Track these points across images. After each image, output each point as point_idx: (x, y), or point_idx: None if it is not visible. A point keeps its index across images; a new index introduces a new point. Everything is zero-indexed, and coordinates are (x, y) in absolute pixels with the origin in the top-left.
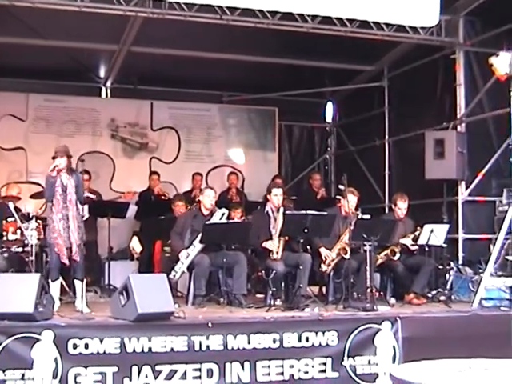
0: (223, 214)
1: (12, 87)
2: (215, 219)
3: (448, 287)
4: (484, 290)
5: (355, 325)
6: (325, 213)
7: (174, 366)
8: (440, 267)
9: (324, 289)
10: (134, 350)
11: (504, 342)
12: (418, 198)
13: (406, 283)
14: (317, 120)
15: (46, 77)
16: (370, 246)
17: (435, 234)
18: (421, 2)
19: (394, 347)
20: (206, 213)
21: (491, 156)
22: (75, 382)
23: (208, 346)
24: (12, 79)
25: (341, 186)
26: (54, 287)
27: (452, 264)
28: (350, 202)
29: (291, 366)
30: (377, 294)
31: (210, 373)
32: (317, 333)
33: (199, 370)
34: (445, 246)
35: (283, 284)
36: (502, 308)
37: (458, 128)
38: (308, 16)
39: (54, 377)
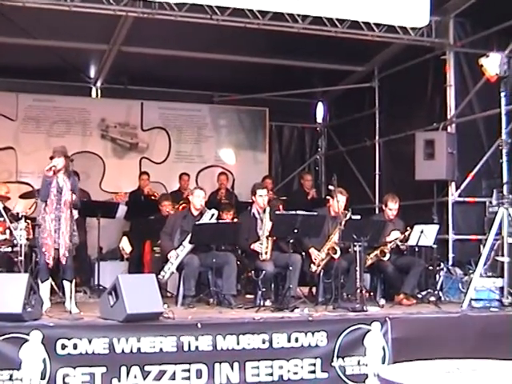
0: (213, 215)
1: (1, 87)
2: (205, 220)
3: (438, 288)
4: (474, 290)
5: (345, 325)
6: (315, 213)
7: (163, 366)
8: (430, 268)
9: (314, 289)
10: (123, 351)
11: (494, 343)
12: (408, 198)
13: (396, 284)
14: (307, 120)
15: (36, 76)
16: (359, 246)
17: (425, 234)
18: (411, 2)
19: (383, 348)
20: (195, 213)
21: (481, 157)
22: (63, 382)
23: (197, 347)
24: (1, 79)
25: (330, 187)
26: (44, 288)
27: (442, 265)
28: (339, 202)
29: (280, 367)
30: (367, 294)
31: (199, 373)
32: (306, 333)
33: (188, 370)
34: (435, 246)
35: (273, 284)
36: (491, 309)
37: (449, 129)
38: (298, 16)
39: (43, 377)
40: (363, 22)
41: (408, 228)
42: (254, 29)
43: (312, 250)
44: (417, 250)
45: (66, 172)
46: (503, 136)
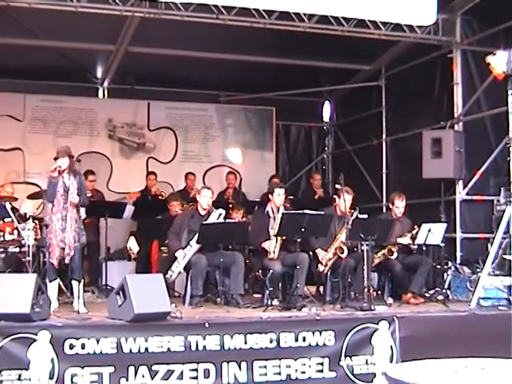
0: (220, 215)
1: (9, 88)
2: (212, 219)
3: (446, 287)
4: (482, 289)
5: (352, 324)
6: (322, 212)
7: (171, 366)
8: (438, 266)
9: (321, 288)
10: (131, 351)
11: (502, 342)
12: (415, 197)
13: (404, 283)
14: (314, 119)
15: (43, 77)
16: (367, 245)
17: (433, 233)
18: (418, 0)
19: (391, 347)
20: (203, 213)
21: (489, 155)
22: (72, 382)
23: (205, 346)
24: (9, 80)
25: (337, 186)
26: (52, 288)
27: (450, 263)
28: (345, 201)
29: (288, 366)
30: (374, 293)
31: (206, 373)
32: (314, 333)
33: (196, 370)
34: (442, 245)
35: (280, 284)
36: (499, 307)
37: (456, 127)
38: (305, 15)
39: (51, 377)
40: (369, 21)
41: (415, 227)
42: (260, 28)
43: (319, 251)
44: (424, 248)
45: (70, 172)
46: (511, 134)
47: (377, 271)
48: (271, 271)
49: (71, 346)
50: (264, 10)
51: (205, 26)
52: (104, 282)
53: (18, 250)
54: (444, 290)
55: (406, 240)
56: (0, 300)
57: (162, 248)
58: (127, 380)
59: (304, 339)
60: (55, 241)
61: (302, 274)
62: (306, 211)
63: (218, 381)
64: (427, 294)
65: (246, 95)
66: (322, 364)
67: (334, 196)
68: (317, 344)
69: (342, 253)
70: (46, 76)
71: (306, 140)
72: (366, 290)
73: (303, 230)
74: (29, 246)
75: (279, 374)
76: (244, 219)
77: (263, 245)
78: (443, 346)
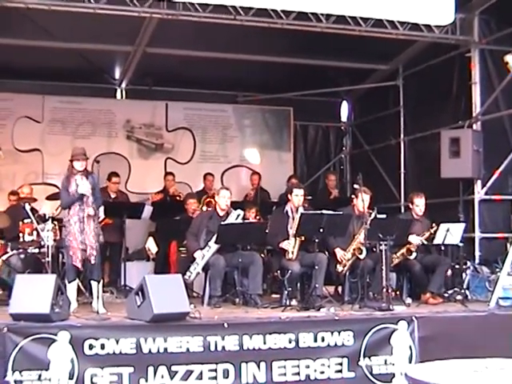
0: (238, 215)
1: (28, 89)
2: (231, 220)
3: (465, 286)
4: (501, 289)
5: (371, 325)
6: (340, 212)
7: (190, 366)
8: (456, 266)
9: (340, 289)
10: (150, 351)
11: None
12: (433, 197)
13: (423, 283)
14: (332, 119)
15: (62, 79)
16: (385, 245)
17: (451, 233)
18: (436, 0)
19: (410, 347)
20: (221, 213)
21: (507, 154)
22: (91, 382)
23: (224, 347)
24: (28, 81)
25: (356, 186)
26: (71, 288)
27: (468, 263)
28: (363, 201)
29: (307, 367)
30: (393, 293)
31: (225, 373)
32: (332, 333)
33: (215, 370)
34: (461, 245)
35: (299, 284)
36: None
37: (474, 126)
38: (322, 15)
39: (71, 377)
40: (387, 21)
41: (434, 225)
42: (277, 29)
43: (337, 250)
44: (443, 248)
45: (84, 173)
46: None
47: (395, 271)
48: (290, 271)
49: (91, 347)
50: (281, 11)
51: (222, 27)
52: (123, 283)
53: (37, 250)
54: (463, 290)
55: (415, 239)
56: (20, 300)
57: (181, 248)
58: (146, 380)
59: (323, 339)
60: (76, 243)
61: (320, 274)
62: (325, 211)
63: (237, 381)
64: (446, 294)
65: (264, 95)
66: (340, 364)
67: (352, 196)
68: (335, 344)
69: (361, 253)
70: (65, 77)
71: (324, 140)
72: (384, 290)
73: (322, 230)
74: (48, 246)
75: (298, 374)
76: (257, 218)
77: (281, 245)
78: (462, 346)
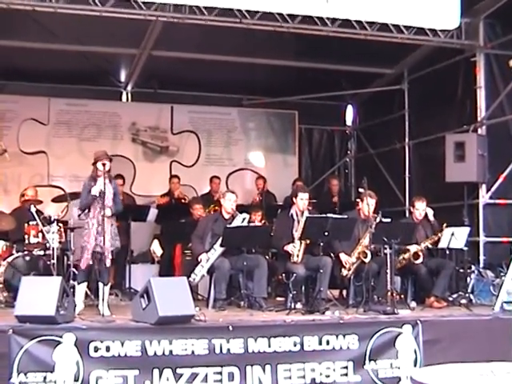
0: (244, 219)
1: (34, 91)
2: (236, 224)
3: (469, 290)
4: (505, 293)
5: (376, 328)
6: (345, 216)
7: (195, 369)
8: (461, 270)
9: (344, 292)
10: (155, 353)
11: None
12: (438, 201)
13: (428, 286)
14: (337, 123)
15: (68, 81)
16: (390, 249)
17: (456, 236)
18: (441, 4)
19: (415, 351)
20: (227, 217)
21: None
22: None
23: (229, 349)
24: (34, 84)
25: (361, 190)
26: (80, 289)
27: (473, 267)
28: (368, 205)
29: (312, 370)
30: (397, 297)
31: (231, 376)
32: (337, 336)
33: (220, 373)
34: (466, 249)
35: (303, 287)
36: None
37: (479, 131)
38: (328, 19)
39: (76, 380)
40: (392, 25)
41: (444, 227)
42: (283, 32)
43: (342, 255)
44: (447, 252)
45: (108, 176)
46: None
47: (400, 275)
48: (294, 275)
49: (96, 349)
50: (287, 15)
51: (228, 30)
52: (128, 285)
53: (42, 252)
54: (467, 294)
55: (414, 248)
56: (25, 302)
57: (186, 251)
58: (152, 383)
59: (328, 342)
60: (93, 245)
61: (325, 278)
62: (330, 215)
63: None
64: (450, 298)
65: (269, 99)
66: (346, 368)
67: (357, 200)
68: (341, 347)
69: (366, 257)
70: (71, 80)
71: (329, 144)
72: (389, 293)
73: (326, 233)
74: (53, 248)
75: (303, 377)
76: (263, 221)
77: (286, 248)
78: (466, 350)
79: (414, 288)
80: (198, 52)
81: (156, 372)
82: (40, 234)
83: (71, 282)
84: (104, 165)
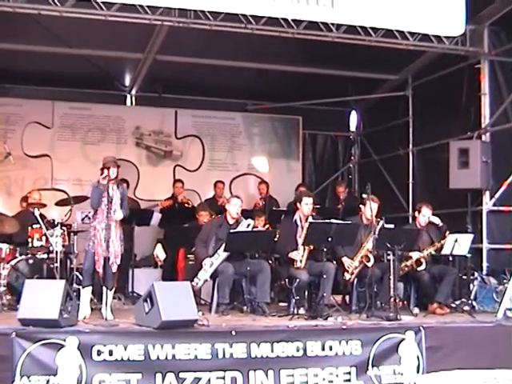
0: (249, 225)
1: (38, 95)
2: (241, 229)
3: (472, 297)
4: (508, 300)
5: (379, 334)
6: (349, 222)
7: (198, 373)
8: (464, 277)
9: (347, 298)
10: (158, 358)
11: None
12: (442, 207)
13: (430, 292)
14: (341, 129)
15: (72, 85)
16: (393, 255)
17: (459, 243)
18: (446, 11)
19: (418, 357)
20: (231, 222)
21: None
22: None
23: (232, 354)
24: (38, 87)
25: (364, 195)
26: (85, 293)
27: (476, 274)
28: (372, 210)
29: (315, 375)
30: (400, 303)
31: (233, 381)
32: (340, 342)
33: (223, 378)
34: (469, 255)
35: (307, 293)
36: None
37: (483, 137)
38: (332, 25)
39: (79, 383)
40: (397, 31)
41: (447, 234)
42: (288, 38)
43: (345, 259)
44: (451, 259)
45: (115, 182)
46: None
47: (403, 281)
48: (298, 280)
49: (99, 353)
50: (292, 20)
51: (233, 35)
52: (130, 289)
53: (45, 256)
54: (470, 301)
55: (416, 255)
56: (29, 306)
57: (189, 256)
58: None
59: (331, 348)
60: (101, 250)
61: (328, 284)
62: (333, 220)
63: None
64: (453, 305)
65: (273, 104)
66: (349, 373)
67: (360, 205)
68: (343, 353)
69: (368, 261)
70: (75, 83)
71: (333, 149)
72: (392, 299)
73: (330, 239)
74: (57, 252)
75: (306, 382)
76: (266, 226)
77: (290, 255)
78: (469, 356)
79: (416, 294)
80: (202, 57)
81: (159, 376)
82: (43, 238)
83: (74, 285)
84: (108, 169)
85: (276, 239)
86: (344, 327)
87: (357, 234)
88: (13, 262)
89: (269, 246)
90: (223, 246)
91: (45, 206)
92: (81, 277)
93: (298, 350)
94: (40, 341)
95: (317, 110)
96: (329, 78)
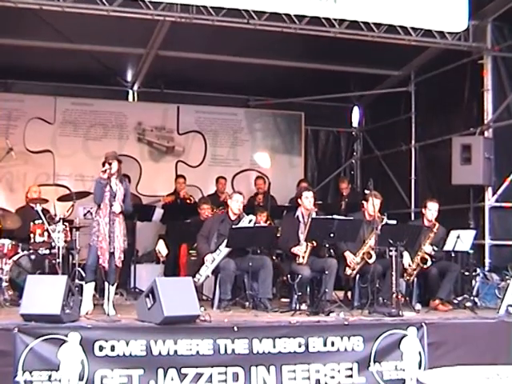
0: (250, 221)
1: (40, 90)
2: (243, 225)
3: (474, 293)
4: (511, 296)
5: (381, 330)
6: (351, 218)
7: (200, 369)
8: (466, 273)
9: (349, 294)
10: (160, 353)
11: None
12: (444, 203)
13: (435, 288)
14: (343, 125)
15: (74, 80)
16: (395, 251)
17: (462, 239)
18: (449, 6)
19: (419, 353)
20: (233, 217)
21: None
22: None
23: (233, 350)
24: (40, 82)
25: (366, 191)
26: (88, 289)
27: (478, 270)
28: (374, 206)
29: (317, 371)
30: (402, 299)
31: (235, 376)
32: (342, 338)
33: (225, 373)
34: (471, 252)
35: (308, 288)
36: None
37: (485, 133)
38: (335, 21)
39: (81, 379)
40: (400, 27)
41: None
42: (290, 33)
43: (347, 254)
44: (453, 255)
45: (118, 177)
46: None
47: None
48: (300, 276)
49: (101, 348)
50: (295, 16)
51: (235, 31)
52: (132, 285)
53: (48, 251)
54: (472, 297)
55: (429, 248)
56: (31, 301)
57: (191, 251)
58: (156, 382)
59: (332, 344)
60: (105, 245)
61: (330, 280)
62: (335, 216)
63: None
64: (455, 301)
65: (275, 100)
66: (351, 369)
67: (363, 201)
68: (345, 349)
69: (370, 258)
70: (77, 79)
71: (335, 145)
72: (394, 295)
73: (332, 235)
74: (59, 247)
75: (308, 378)
76: (268, 222)
77: (293, 250)
78: (471, 352)
79: (419, 290)
80: (204, 52)
81: (161, 372)
82: (45, 233)
83: (76, 281)
84: (110, 164)
85: (278, 235)
86: (346, 323)
87: (359, 230)
88: (15, 258)
89: (270, 241)
90: (225, 241)
91: (47, 201)
92: (83, 272)
93: (299, 346)
94: (42, 336)
95: (319, 106)
96: (331, 74)
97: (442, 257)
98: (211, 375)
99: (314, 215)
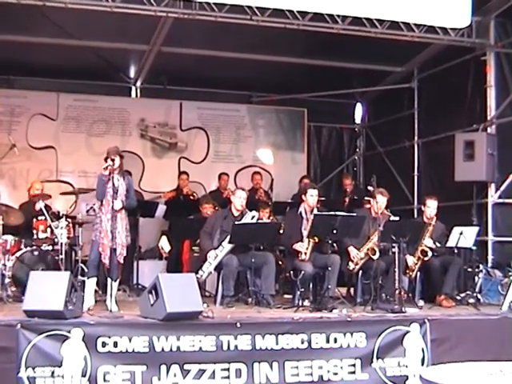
0: (253, 217)
1: (43, 87)
2: (246, 221)
3: (477, 290)
4: None
5: (384, 326)
6: (354, 214)
7: (203, 365)
8: (469, 270)
9: (352, 290)
10: (163, 349)
11: None
12: (447, 199)
13: (439, 281)
14: (346, 121)
15: (77, 76)
16: (398, 247)
17: (465, 236)
18: (452, 3)
19: (422, 349)
20: (236, 214)
21: None
22: (104, 380)
23: (236, 346)
24: (43, 79)
25: (370, 188)
26: (90, 284)
27: (481, 266)
28: (378, 203)
29: (320, 367)
30: (405, 295)
31: (238, 373)
32: (345, 334)
33: (228, 369)
34: (474, 248)
35: (311, 285)
36: None
37: (489, 130)
38: (338, 17)
39: (83, 375)
40: (403, 23)
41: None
42: (293, 29)
43: (351, 249)
44: (456, 251)
45: (120, 172)
46: None
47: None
48: (302, 272)
49: (104, 344)
50: (298, 12)
51: (238, 27)
52: (135, 281)
53: (50, 247)
54: (475, 294)
55: (430, 242)
56: (34, 297)
57: (194, 248)
58: (159, 379)
59: (335, 340)
60: (106, 241)
61: (333, 276)
62: (338, 213)
63: (250, 381)
64: (458, 297)
65: (278, 96)
66: (354, 365)
67: (366, 198)
68: (348, 345)
69: (374, 254)
70: (80, 75)
71: (338, 141)
72: (397, 292)
73: (335, 231)
74: (61, 244)
75: (311, 374)
76: (271, 218)
77: (295, 246)
78: (474, 349)
79: (421, 287)
80: (207, 48)
81: (163, 368)
82: (48, 229)
83: (79, 277)
84: (113, 160)
85: (281, 231)
86: (349, 319)
87: (362, 227)
88: (18, 254)
89: (273, 237)
90: (228, 238)
91: (50, 197)
92: (86, 268)
93: (302, 342)
94: (45, 332)
95: (322, 102)
96: (334, 70)
97: (444, 252)
98: (214, 371)
99: (316, 211)
